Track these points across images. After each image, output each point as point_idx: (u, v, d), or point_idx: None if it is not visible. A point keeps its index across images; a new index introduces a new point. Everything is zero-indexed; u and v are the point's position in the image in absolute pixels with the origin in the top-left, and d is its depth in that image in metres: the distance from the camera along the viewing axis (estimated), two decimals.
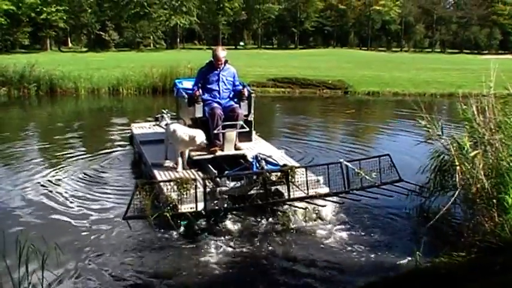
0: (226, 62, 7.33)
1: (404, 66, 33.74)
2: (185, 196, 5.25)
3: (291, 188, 5.58)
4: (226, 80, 7.34)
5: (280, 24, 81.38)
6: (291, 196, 5.61)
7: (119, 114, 16.37)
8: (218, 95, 7.30)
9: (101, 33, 71.51)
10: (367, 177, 5.80)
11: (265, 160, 6.29)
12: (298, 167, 5.93)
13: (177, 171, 6.66)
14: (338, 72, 26.12)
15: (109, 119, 15.01)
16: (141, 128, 9.63)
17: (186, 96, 7.46)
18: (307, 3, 78.54)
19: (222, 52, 7.27)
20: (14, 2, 58.24)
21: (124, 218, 5.09)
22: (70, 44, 74.36)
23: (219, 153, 7.03)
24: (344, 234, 5.80)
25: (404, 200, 6.43)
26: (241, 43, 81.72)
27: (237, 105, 7.30)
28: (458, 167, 5.30)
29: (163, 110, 9.97)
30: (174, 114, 9.34)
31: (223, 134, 7.03)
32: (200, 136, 6.64)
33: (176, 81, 8.63)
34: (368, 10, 78.70)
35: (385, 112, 18.18)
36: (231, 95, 7.43)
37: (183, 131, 6.79)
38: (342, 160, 5.87)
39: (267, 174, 5.59)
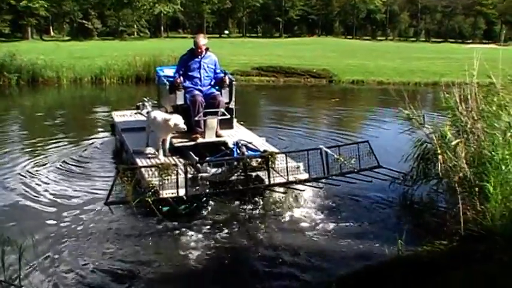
0: (207, 49, 7.35)
1: (389, 55, 33.84)
2: (166, 182, 5.25)
3: (271, 173, 5.63)
4: (208, 67, 7.36)
5: (264, 12, 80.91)
6: (271, 182, 5.66)
7: (101, 103, 16.22)
8: (199, 83, 7.32)
9: (84, 21, 70.46)
10: (346, 163, 5.85)
11: (246, 146, 6.37)
12: (278, 153, 5.95)
13: (158, 158, 6.67)
14: (323, 61, 26.13)
15: (91, 108, 14.89)
16: (123, 116, 9.57)
17: (167, 83, 7.46)
18: None
19: (203, 40, 7.30)
20: None
21: (106, 204, 5.09)
22: (52, 33, 73.21)
23: (200, 140, 7.05)
24: (327, 222, 5.79)
25: (387, 188, 6.46)
26: (226, 31, 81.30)
27: (218, 93, 7.32)
28: (440, 156, 5.27)
29: (144, 98, 9.92)
30: (156, 102, 9.32)
31: (205, 121, 7.05)
32: (175, 119, 6.59)
33: (157, 69, 8.61)
34: None
35: (369, 100, 18.26)
36: (212, 83, 7.45)
37: (162, 117, 6.77)
38: (321, 146, 5.95)
39: (248, 160, 5.64)
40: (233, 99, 7.58)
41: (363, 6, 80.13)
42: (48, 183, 7.20)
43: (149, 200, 5.13)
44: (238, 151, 6.25)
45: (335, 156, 5.88)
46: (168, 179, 5.24)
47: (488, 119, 5.48)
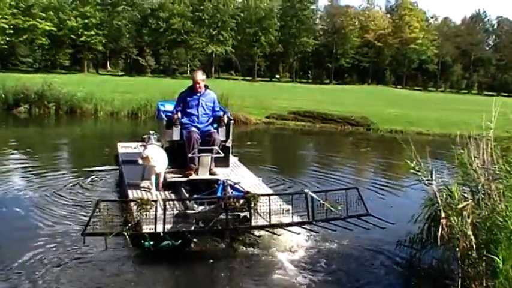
0: (207, 87, 7.44)
1: (434, 106, 32.76)
2: (145, 217, 5.27)
3: (253, 215, 5.61)
4: (206, 105, 7.41)
5: (316, 58, 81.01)
6: (253, 224, 5.65)
7: (128, 137, 16.07)
8: (197, 120, 7.35)
9: (139, 58, 72.90)
10: (332, 209, 5.71)
11: (231, 186, 6.30)
12: (263, 195, 5.83)
13: (150, 192, 6.71)
14: (364, 109, 25.42)
15: (112, 141, 14.82)
16: (126, 148, 9.69)
17: (165, 118, 7.60)
18: (344, 39, 78.14)
19: (200, 76, 7.36)
20: (56, 24, 59.83)
21: (82, 234, 5.10)
22: (109, 67, 75.74)
23: (193, 176, 7.06)
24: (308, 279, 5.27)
25: (393, 250, 5.89)
26: (277, 76, 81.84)
27: (215, 131, 7.35)
28: (444, 220, 4.57)
29: (150, 132, 9.75)
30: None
31: (199, 158, 7.06)
32: (147, 152, 6.67)
33: (159, 103, 8.70)
34: (405, 48, 77.60)
35: (399, 151, 17.39)
36: (210, 120, 7.49)
37: (151, 153, 6.72)
38: (306, 190, 5.86)
39: (230, 200, 5.59)
40: (230, 137, 7.64)
41: (415, 56, 78.99)
42: (39, 208, 7.27)
43: (126, 234, 5.12)
44: (222, 191, 6.19)
45: (320, 201, 5.73)
46: (146, 214, 5.25)
47: (506, 179, 4.76)
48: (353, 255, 6.08)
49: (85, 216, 6.70)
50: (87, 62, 66.77)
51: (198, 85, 7.24)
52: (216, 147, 7.11)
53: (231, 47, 70.36)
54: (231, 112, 20.40)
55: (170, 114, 7.51)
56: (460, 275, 4.43)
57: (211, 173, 7.17)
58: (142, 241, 5.46)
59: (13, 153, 11.98)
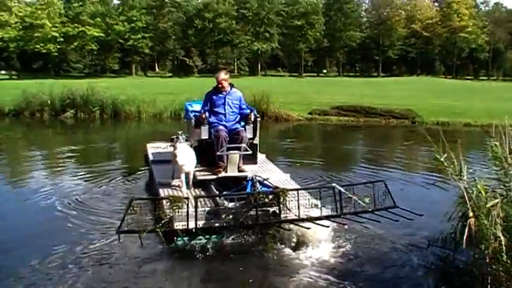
0: (232, 86, 7.63)
1: (484, 95, 31.41)
2: (177, 214, 5.44)
3: (282, 210, 5.68)
4: (232, 103, 7.55)
5: (363, 51, 79.57)
6: (282, 218, 5.70)
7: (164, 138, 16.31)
8: (224, 118, 7.49)
9: (185, 59, 73.74)
10: (360, 202, 5.73)
11: (260, 182, 6.39)
12: (291, 190, 5.90)
13: (181, 190, 6.85)
14: (410, 101, 24.65)
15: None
16: (156, 148, 9.90)
17: (193, 118, 7.77)
18: (391, 30, 76.42)
19: (223, 75, 7.53)
20: (104, 30, 61.52)
21: (117, 232, 5.28)
22: (157, 69, 77.08)
23: (222, 174, 7.20)
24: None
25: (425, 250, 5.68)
26: (324, 70, 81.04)
27: (242, 129, 7.47)
28: (472, 219, 4.27)
29: (178, 132, 9.83)
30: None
31: (227, 155, 7.19)
32: (177, 150, 6.85)
33: (186, 103, 8.91)
34: (454, 37, 75.00)
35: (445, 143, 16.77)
36: (237, 118, 7.62)
37: (180, 152, 6.88)
38: (334, 184, 5.91)
39: (260, 195, 5.67)
40: (257, 135, 7.77)
41: (465, 45, 76.12)
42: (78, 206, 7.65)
43: (159, 231, 5.33)
44: (252, 187, 6.30)
45: (348, 194, 5.80)
46: (178, 212, 5.42)
47: None
48: (383, 252, 5.93)
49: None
50: (135, 65, 68.37)
51: (221, 85, 7.41)
52: (244, 145, 7.22)
53: (276, 44, 70.08)
54: (272, 110, 20.30)
55: (198, 114, 7.67)
56: (489, 279, 4.12)
57: (239, 170, 7.29)
58: (175, 238, 5.70)
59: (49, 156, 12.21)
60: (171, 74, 68.45)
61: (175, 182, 7.17)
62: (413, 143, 15.80)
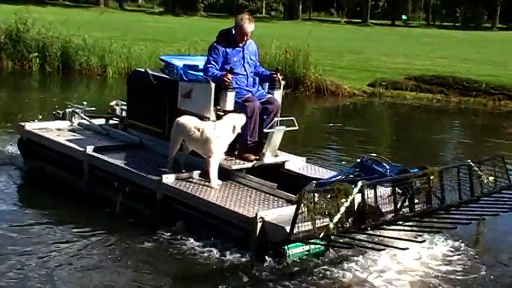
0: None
1: None
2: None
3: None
4: (251, 59, 5.86)
5: None
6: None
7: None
8: (245, 82, 5.76)
9: None
10: (489, 182, 5.14)
11: (377, 161, 5.19)
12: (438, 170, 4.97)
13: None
14: None
15: None
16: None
17: (209, 81, 5.62)
18: None
19: (250, 25, 5.61)
20: None
21: (290, 236, 4.10)
22: (141, 1, 60.22)
23: (268, 159, 5.72)
24: None
25: None
26: (403, 16, 67.32)
27: (272, 95, 5.84)
28: None
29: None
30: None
31: (266, 134, 5.63)
32: (222, 141, 5.23)
33: (165, 57, 6.49)
34: None
35: None
36: (256, 81, 5.97)
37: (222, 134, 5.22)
38: (469, 161, 5.17)
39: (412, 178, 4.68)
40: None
41: None
42: None
43: (334, 233, 4.18)
44: (379, 169, 5.05)
45: (480, 173, 5.10)
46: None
47: None
48: None
49: None
50: None
51: (246, 37, 5.68)
52: (279, 118, 5.66)
53: None
54: (313, 77, 14.21)
55: (214, 73, 5.56)
56: None
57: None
58: (286, 247, 4.46)
59: None
60: (161, 9, 50.63)
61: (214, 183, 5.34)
62: None
